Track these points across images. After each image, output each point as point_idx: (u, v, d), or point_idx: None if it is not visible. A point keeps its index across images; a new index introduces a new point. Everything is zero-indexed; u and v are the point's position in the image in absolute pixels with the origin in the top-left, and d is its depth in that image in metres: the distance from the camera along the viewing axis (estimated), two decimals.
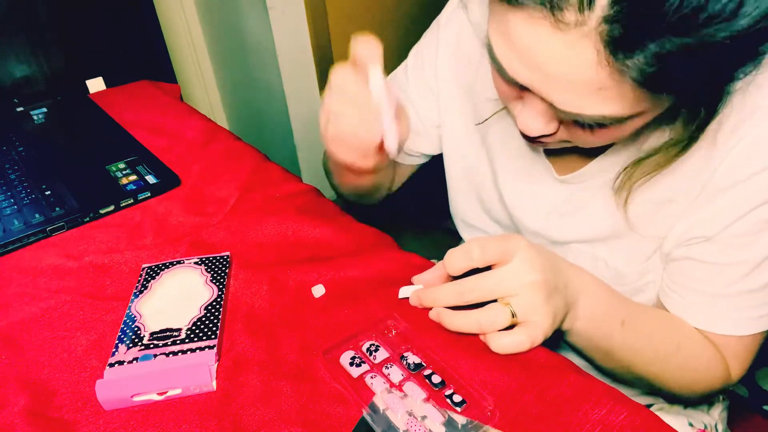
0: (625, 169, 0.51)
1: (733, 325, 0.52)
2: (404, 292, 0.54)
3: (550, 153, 0.59)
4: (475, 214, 0.71)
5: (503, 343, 0.46)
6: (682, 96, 0.40)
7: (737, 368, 0.54)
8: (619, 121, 0.41)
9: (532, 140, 0.49)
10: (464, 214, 0.73)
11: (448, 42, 0.66)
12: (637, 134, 0.49)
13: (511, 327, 0.46)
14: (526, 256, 0.45)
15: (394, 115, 0.48)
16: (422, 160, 0.77)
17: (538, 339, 0.45)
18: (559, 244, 0.61)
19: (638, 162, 0.50)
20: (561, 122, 0.46)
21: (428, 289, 0.50)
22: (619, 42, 0.34)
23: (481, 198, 0.69)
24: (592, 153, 0.55)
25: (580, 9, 0.34)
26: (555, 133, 0.46)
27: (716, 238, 0.49)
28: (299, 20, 1.46)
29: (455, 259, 0.47)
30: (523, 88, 0.43)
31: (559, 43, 0.36)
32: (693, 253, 0.51)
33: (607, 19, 0.33)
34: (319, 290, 0.55)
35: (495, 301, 0.46)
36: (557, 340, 0.55)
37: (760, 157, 0.45)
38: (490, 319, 0.46)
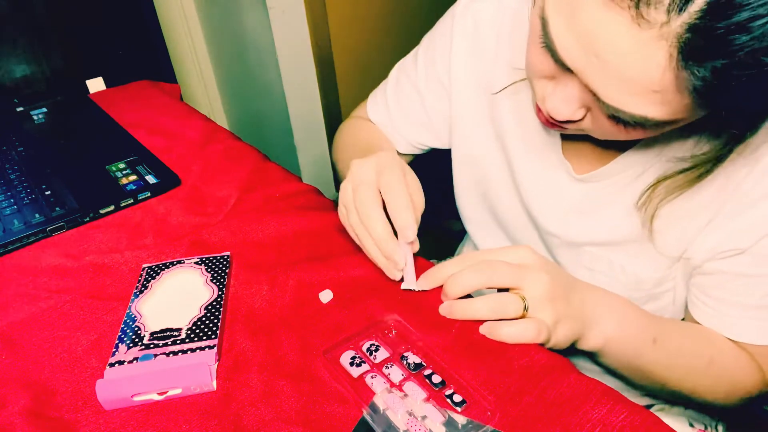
0: (649, 187, 0.51)
1: None
2: (326, 296, 0.54)
3: (567, 150, 0.59)
4: (478, 211, 0.71)
5: (511, 331, 0.46)
6: (732, 113, 0.40)
7: None
8: (659, 124, 0.40)
9: (550, 123, 0.48)
10: (466, 210, 0.73)
11: (464, 33, 0.65)
12: (662, 137, 0.49)
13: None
14: (538, 260, 0.48)
15: (413, 270, 0.53)
16: (423, 152, 0.77)
17: (542, 333, 0.46)
18: (575, 246, 0.60)
19: (663, 179, 0.49)
20: (589, 110, 0.45)
21: (452, 277, 0.49)
22: (696, 51, 0.33)
23: (493, 195, 0.68)
24: (610, 147, 0.54)
25: (670, 10, 0.33)
26: (580, 120, 0.46)
27: (751, 250, 0.49)
28: (299, 20, 1.45)
29: (468, 279, 0.48)
30: (564, 69, 0.42)
31: (632, 37, 0.35)
32: (726, 266, 0.51)
33: (692, 28, 0.33)
34: (326, 296, 0.55)
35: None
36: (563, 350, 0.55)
37: None
38: (503, 303, 0.47)
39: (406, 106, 0.73)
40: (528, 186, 0.63)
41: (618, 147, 0.54)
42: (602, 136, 0.47)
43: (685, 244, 0.53)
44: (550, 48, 0.42)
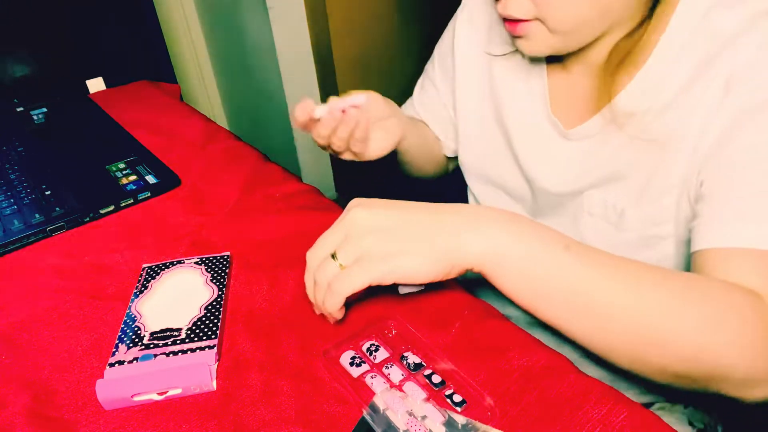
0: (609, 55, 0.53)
1: None
2: (405, 287, 0.50)
3: (557, 107, 0.60)
4: (481, 182, 0.73)
5: (336, 284, 0.43)
6: None
7: None
8: None
9: (509, 24, 0.52)
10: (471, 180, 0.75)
11: (464, 20, 0.69)
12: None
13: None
14: (359, 216, 0.43)
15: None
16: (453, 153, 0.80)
17: (373, 274, 0.41)
18: (572, 196, 0.60)
19: (617, 46, 0.51)
20: None
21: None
22: None
23: (491, 171, 0.70)
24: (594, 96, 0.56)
25: None
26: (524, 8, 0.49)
27: (741, 148, 0.45)
28: (299, 20, 1.46)
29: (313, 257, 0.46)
30: None
31: None
32: (721, 164, 0.46)
33: None
34: (321, 110, 0.58)
35: None
36: (559, 339, 0.55)
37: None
38: (322, 273, 0.44)
39: (429, 105, 0.77)
40: (522, 148, 0.65)
41: (602, 99, 0.55)
42: (550, 14, 0.49)
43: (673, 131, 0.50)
44: None
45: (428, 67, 0.77)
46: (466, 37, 0.69)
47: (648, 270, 0.41)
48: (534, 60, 0.62)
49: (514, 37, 0.54)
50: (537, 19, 0.50)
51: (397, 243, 0.42)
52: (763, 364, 0.39)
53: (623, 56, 0.51)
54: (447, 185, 0.84)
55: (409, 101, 0.81)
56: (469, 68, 0.70)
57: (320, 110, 0.59)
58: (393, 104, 0.67)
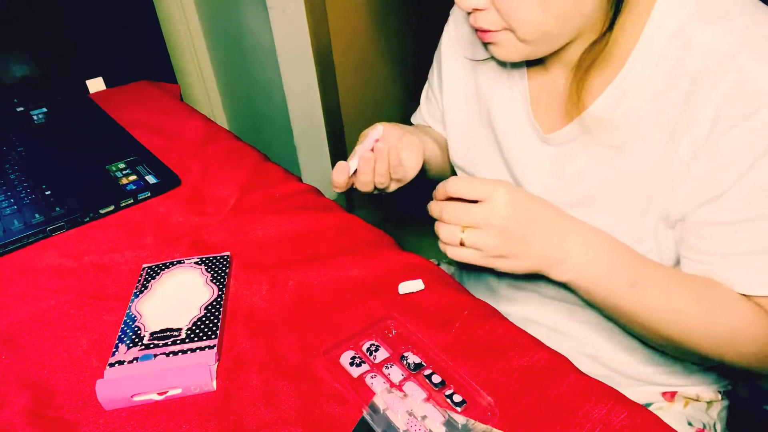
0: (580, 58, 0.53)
1: None
2: (404, 287, 0.55)
3: (538, 112, 0.61)
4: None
5: (453, 252, 0.51)
6: None
7: None
8: None
9: (479, 32, 0.53)
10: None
11: (449, 29, 0.71)
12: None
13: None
14: (500, 201, 0.49)
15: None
16: None
17: (478, 260, 0.50)
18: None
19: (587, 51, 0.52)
20: (492, 2, 0.50)
21: (432, 202, 0.54)
22: None
23: (486, 169, 0.70)
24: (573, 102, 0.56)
25: None
26: (486, 11, 0.51)
27: (729, 194, 0.47)
28: (299, 20, 1.45)
29: (446, 185, 0.52)
30: None
31: None
32: (708, 216, 0.49)
33: None
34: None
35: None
36: (558, 339, 0.55)
37: (750, 95, 0.44)
38: (445, 234, 0.51)
39: (435, 114, 0.78)
40: (511, 154, 0.65)
41: (576, 103, 0.55)
42: (517, 24, 0.50)
43: (649, 150, 0.52)
44: None
45: (429, 75, 0.78)
46: (451, 45, 0.70)
47: (693, 303, 0.51)
48: (514, 63, 0.62)
49: (487, 43, 0.55)
50: (506, 29, 0.51)
51: (510, 248, 0.50)
52: None
53: (590, 63, 0.52)
54: None
55: (418, 112, 0.83)
56: (456, 75, 0.70)
57: (353, 163, 0.59)
58: (398, 124, 0.68)
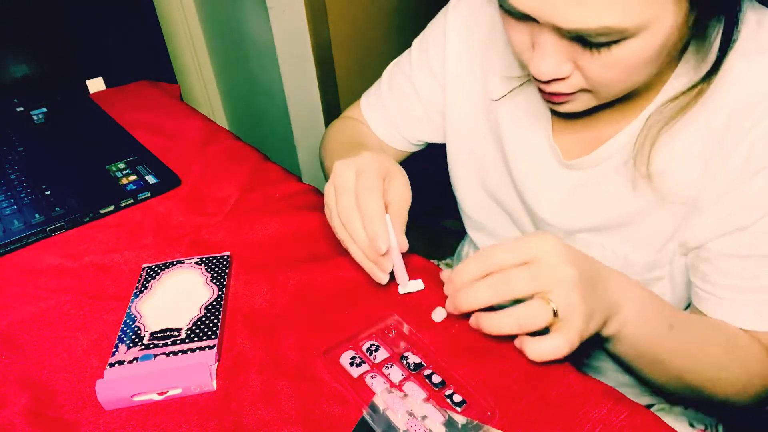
0: (646, 122, 0.49)
1: None
2: (405, 287, 0.54)
3: (559, 136, 0.58)
4: (481, 206, 0.70)
5: (541, 349, 0.42)
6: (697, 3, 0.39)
7: None
8: (625, 35, 0.39)
9: (551, 96, 0.48)
10: (470, 208, 0.72)
11: (457, 27, 0.66)
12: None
13: (544, 333, 0.43)
14: (559, 251, 0.42)
15: (404, 270, 0.52)
16: (419, 148, 0.77)
17: (575, 343, 0.42)
18: (569, 233, 0.59)
19: (658, 113, 0.48)
20: (576, 66, 0.45)
21: (462, 290, 0.45)
22: None
23: (489, 186, 0.68)
24: (600, 129, 0.54)
25: None
26: (568, 78, 0.46)
27: (754, 227, 0.47)
28: (299, 20, 1.45)
29: (481, 295, 0.44)
30: (530, 22, 0.43)
31: None
32: (729, 248, 0.48)
33: None
34: (440, 314, 0.51)
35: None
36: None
37: None
38: (530, 314, 0.42)
39: (401, 102, 0.73)
40: (520, 173, 0.62)
41: (609, 131, 0.54)
42: (601, 87, 0.46)
43: (690, 192, 0.50)
44: (507, 8, 0.43)
45: (404, 62, 0.72)
46: (461, 36, 0.66)
47: (720, 346, 0.50)
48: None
49: (551, 101, 0.50)
50: (584, 90, 0.47)
51: (592, 299, 0.43)
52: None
53: (676, 113, 0.48)
54: (450, 195, 0.83)
55: (374, 96, 0.76)
56: (462, 71, 0.66)
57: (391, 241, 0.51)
58: (376, 171, 0.54)
